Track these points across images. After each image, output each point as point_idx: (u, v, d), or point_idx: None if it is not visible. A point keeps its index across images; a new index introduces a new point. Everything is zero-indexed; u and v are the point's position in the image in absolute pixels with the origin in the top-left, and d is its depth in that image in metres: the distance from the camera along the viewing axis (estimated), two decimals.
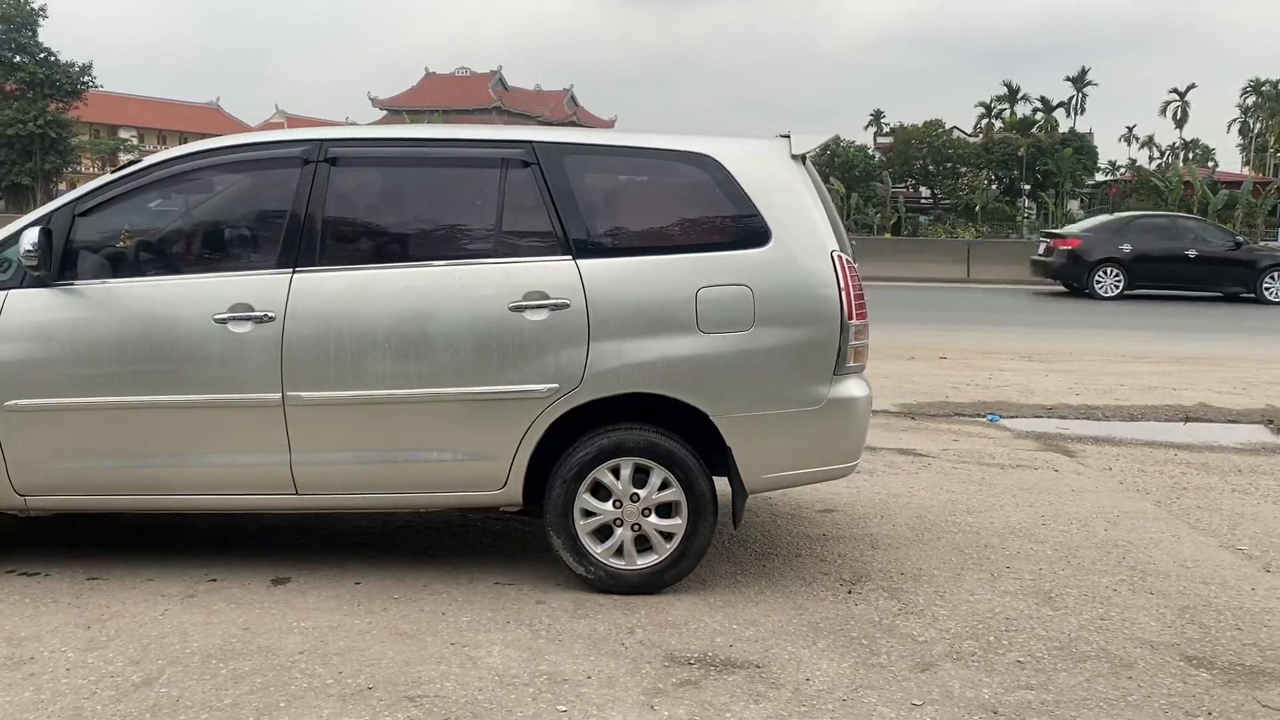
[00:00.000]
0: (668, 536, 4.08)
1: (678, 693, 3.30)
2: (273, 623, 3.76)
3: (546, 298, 3.96)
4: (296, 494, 4.07)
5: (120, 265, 4.10)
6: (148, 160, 4.18)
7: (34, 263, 3.86)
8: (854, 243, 4.91)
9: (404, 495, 4.10)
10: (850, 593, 4.20)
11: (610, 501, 4.06)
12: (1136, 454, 6.87)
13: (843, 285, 4.03)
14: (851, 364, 4.08)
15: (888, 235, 37.26)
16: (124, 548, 4.52)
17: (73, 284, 4.01)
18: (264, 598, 4.00)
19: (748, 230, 4.06)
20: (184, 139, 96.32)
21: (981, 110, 71.15)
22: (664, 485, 4.05)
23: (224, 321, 3.95)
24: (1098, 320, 15.54)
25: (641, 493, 4.05)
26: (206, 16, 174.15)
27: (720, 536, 4.82)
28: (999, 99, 70.41)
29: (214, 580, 4.17)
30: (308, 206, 4.04)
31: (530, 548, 4.62)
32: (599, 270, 4.00)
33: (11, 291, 4.00)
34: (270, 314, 3.95)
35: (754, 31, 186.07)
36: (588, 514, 4.06)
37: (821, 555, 4.64)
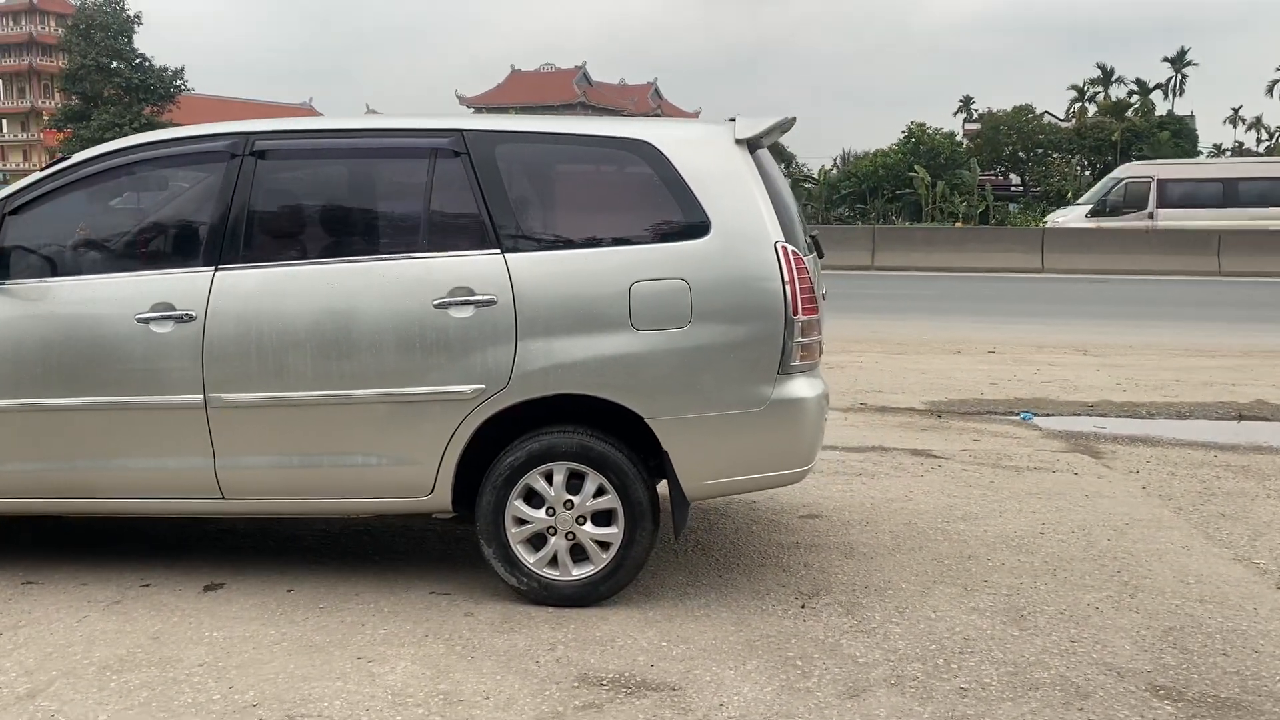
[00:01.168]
0: (604, 546, 3.86)
1: (575, 717, 3.08)
2: (186, 632, 3.64)
3: (472, 294, 3.76)
4: (223, 498, 3.95)
5: (51, 264, 4.02)
6: (77, 156, 4.09)
7: None
8: (815, 234, 4.63)
9: (330, 501, 3.95)
10: (804, 607, 3.92)
11: (543, 509, 3.85)
12: (1172, 455, 6.41)
13: (787, 278, 3.75)
14: (798, 362, 3.80)
15: (956, 224, 36.17)
16: (70, 550, 4.47)
17: (8, 283, 3.95)
18: (190, 605, 3.89)
19: (686, 221, 3.81)
20: None
21: (1074, 94, 68.84)
22: (600, 492, 3.83)
23: (146, 321, 3.84)
24: (1172, 312, 14.75)
25: (575, 499, 3.83)
26: (303, 20, 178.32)
27: (685, 545, 4.59)
28: (1092, 82, 68.02)
29: (147, 585, 4.08)
30: (232, 202, 3.91)
31: (481, 555, 4.43)
32: (528, 265, 3.79)
33: None
34: (191, 313, 3.83)
35: (842, 18, 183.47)
36: (520, 522, 3.86)
37: (786, 565, 4.37)
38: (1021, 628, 3.75)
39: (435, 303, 3.77)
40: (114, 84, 47.32)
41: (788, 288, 3.75)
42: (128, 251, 4.09)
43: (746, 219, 3.80)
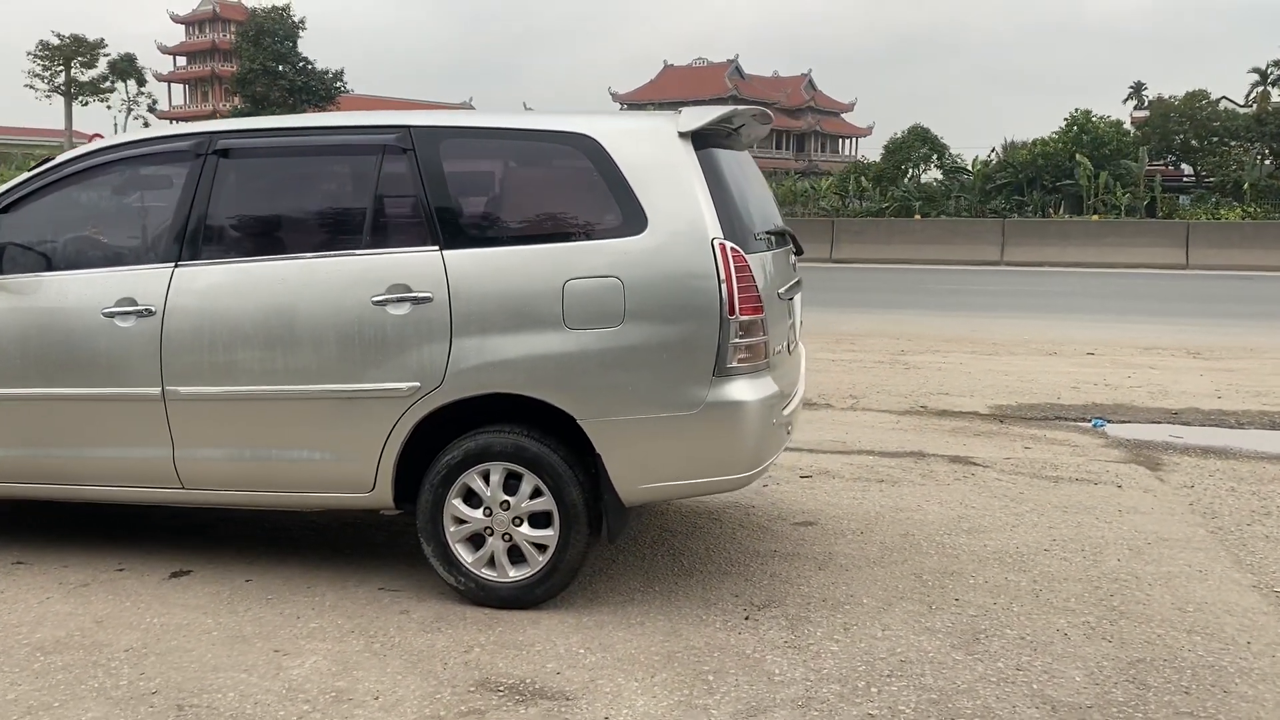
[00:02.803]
0: (541, 549, 3.79)
1: None
2: (129, 618, 3.76)
3: (409, 291, 3.76)
4: (183, 489, 4.06)
5: (35, 260, 4.20)
6: (60, 158, 4.28)
7: None
8: (788, 230, 4.43)
9: (280, 494, 4.01)
10: (747, 619, 3.76)
11: (481, 509, 3.81)
12: (1241, 470, 5.89)
13: (724, 276, 3.59)
14: (736, 364, 3.64)
15: (1094, 217, 34.22)
16: (66, 533, 4.68)
17: (8, 278, 4.15)
18: (149, 590, 4.02)
19: (623, 217, 3.69)
20: None
21: (1255, 77, 64.33)
22: (536, 493, 3.76)
23: (111, 316, 3.99)
24: None
25: (512, 500, 3.78)
26: (465, 22, 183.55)
27: (656, 549, 4.48)
28: (1276, 64, 63.41)
29: (121, 570, 4.24)
30: (194, 199, 4.02)
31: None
32: (465, 262, 3.75)
33: None
34: (151, 308, 3.95)
35: (1011, 2, 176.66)
36: (459, 521, 3.83)
37: (751, 575, 4.20)
38: (970, 652, 3.49)
39: (374, 300, 3.77)
40: (279, 86, 49.79)
41: (724, 286, 3.59)
42: (103, 248, 4.25)
43: (684, 215, 3.66)
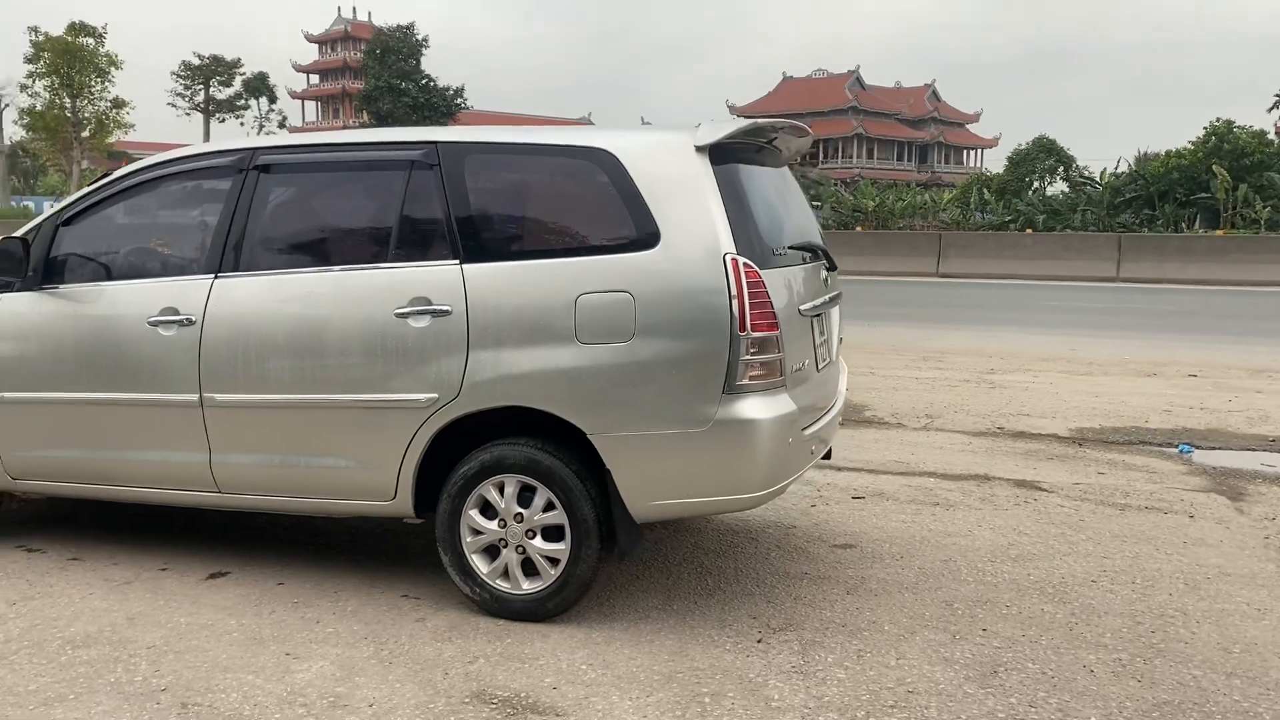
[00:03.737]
0: (554, 562, 3.79)
1: None
2: (159, 616, 3.90)
3: (430, 304, 3.81)
4: (219, 492, 4.20)
5: (94, 270, 4.41)
6: (117, 173, 4.49)
7: None
8: (821, 246, 4.33)
9: (309, 500, 4.11)
10: (759, 642, 3.69)
11: (496, 520, 3.84)
12: None
13: (735, 292, 3.54)
14: (747, 381, 3.57)
15: (1218, 232, 32.46)
16: (120, 532, 4.88)
17: (57, 288, 4.38)
18: (185, 590, 4.16)
19: (636, 232, 3.68)
20: None
21: None
22: (549, 506, 3.77)
23: (156, 324, 4.15)
24: None
25: (526, 513, 3.79)
26: (588, 38, 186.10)
27: (683, 567, 4.43)
28: None
29: (164, 569, 4.40)
30: (234, 212, 4.16)
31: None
32: (483, 275, 3.79)
33: (3, 296, 4.43)
34: (191, 318, 4.10)
35: (1148, 9, 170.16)
36: (475, 532, 3.86)
37: (774, 597, 4.12)
38: (984, 685, 3.35)
39: (396, 312, 3.84)
40: (403, 103, 51.28)
41: (735, 302, 3.54)
42: (151, 259, 4.43)
43: (697, 230, 3.62)
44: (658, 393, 3.60)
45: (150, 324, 4.15)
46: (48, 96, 50.07)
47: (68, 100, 49.90)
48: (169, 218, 4.51)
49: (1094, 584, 4.28)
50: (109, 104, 50.86)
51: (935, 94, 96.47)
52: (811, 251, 4.27)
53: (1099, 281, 19.48)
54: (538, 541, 3.79)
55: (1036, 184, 50.65)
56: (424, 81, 51.95)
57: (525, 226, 3.96)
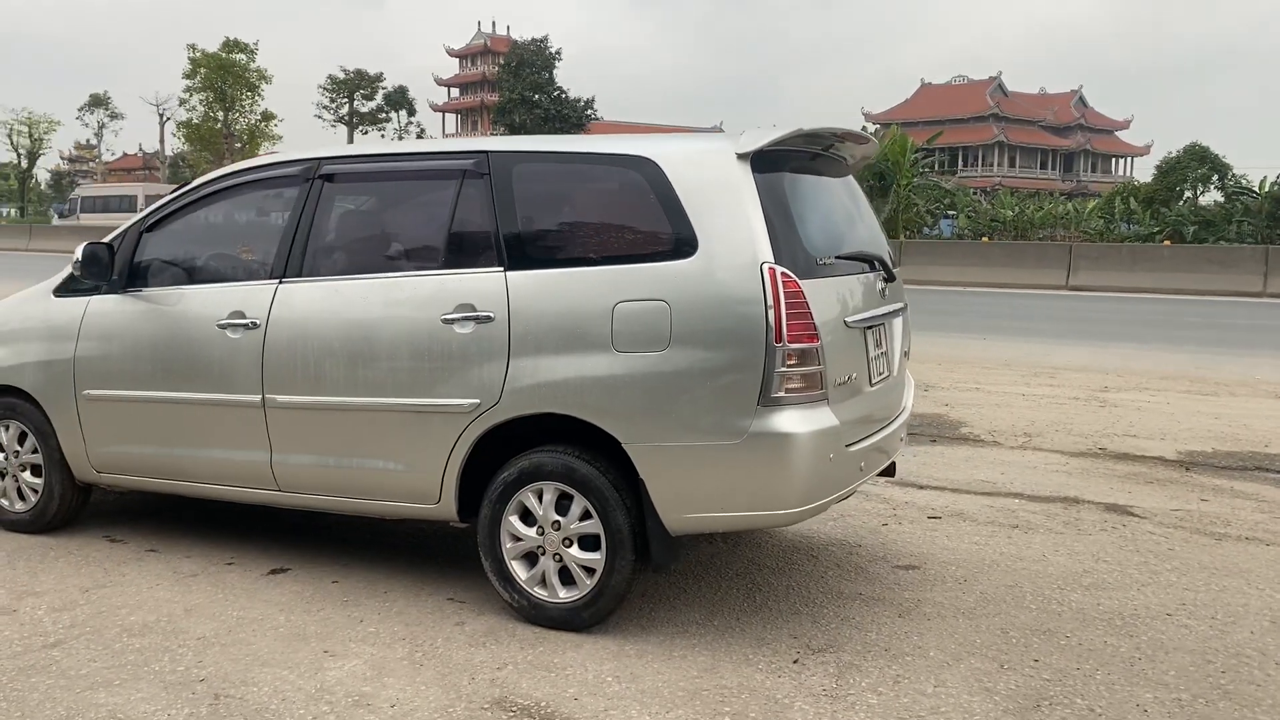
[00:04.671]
0: (590, 571, 3.78)
1: None
2: (215, 609, 4.03)
3: (474, 310, 3.85)
4: (280, 491, 4.32)
5: (172, 274, 4.61)
6: (196, 181, 4.69)
7: (79, 272, 4.51)
8: (879, 256, 4.20)
9: (360, 501, 4.19)
10: (795, 662, 3.59)
11: (535, 527, 3.84)
12: None
13: (771, 302, 3.46)
14: (784, 394, 3.49)
15: None
16: (196, 525, 5.07)
17: (139, 291, 4.59)
18: (245, 585, 4.29)
19: (675, 240, 3.64)
20: None
21: None
22: (585, 515, 3.76)
23: (224, 327, 4.31)
24: None
25: (563, 521, 3.79)
26: (721, 46, 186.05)
27: (735, 582, 4.36)
28: None
29: (230, 564, 4.55)
30: (299, 220, 4.29)
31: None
32: (525, 282, 3.81)
33: (93, 298, 4.67)
34: (256, 321, 4.24)
35: None
36: (515, 538, 3.88)
37: (820, 616, 4.01)
38: (1021, 719, 3.18)
39: (443, 318, 3.89)
40: (535, 115, 52.26)
41: (771, 312, 3.46)
42: (224, 263, 4.60)
43: (735, 238, 3.56)
44: (692, 403, 3.55)
45: (219, 327, 4.31)
46: (203, 110, 52.89)
47: (220, 113, 52.65)
48: (242, 224, 4.68)
49: (1168, 618, 4.03)
50: (259, 117, 53.42)
51: (1082, 100, 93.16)
52: (869, 262, 4.15)
53: (1242, 296, 18.42)
54: (574, 550, 3.78)
55: (1188, 194, 48.21)
56: (556, 93, 52.84)
57: (567, 234, 3.96)
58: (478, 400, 3.82)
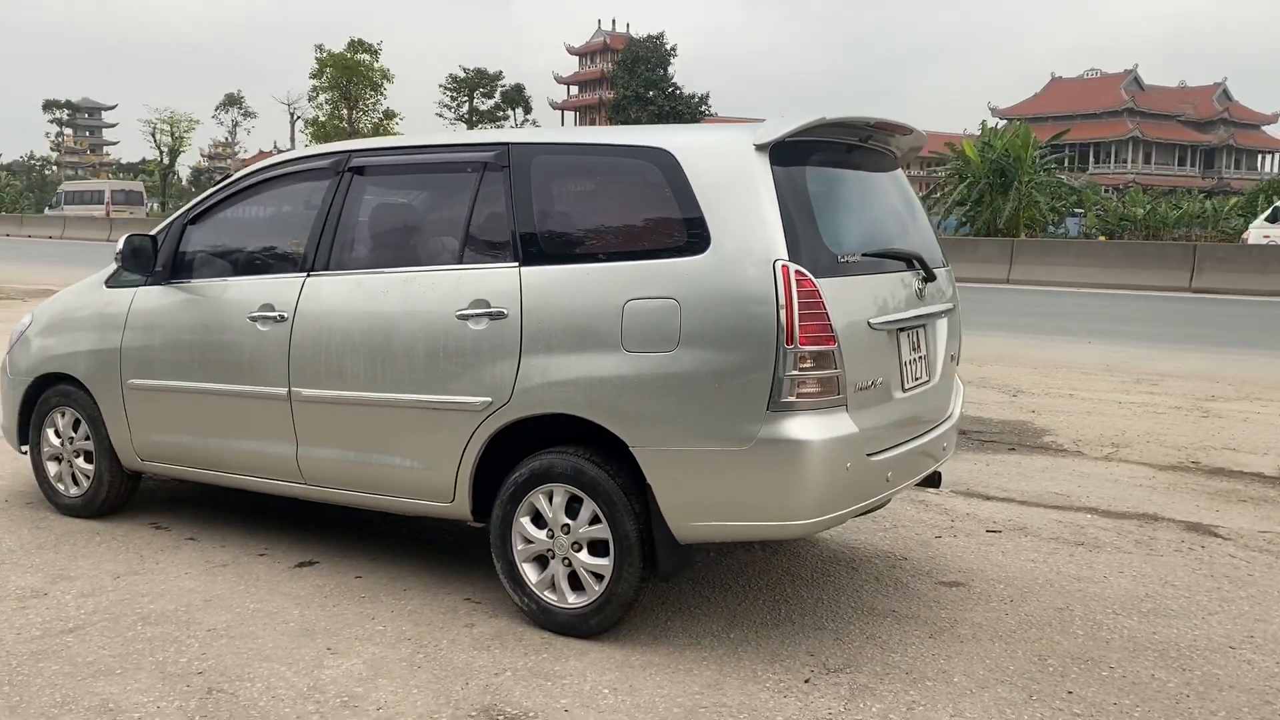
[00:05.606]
0: (598, 577, 3.65)
1: None
2: (233, 601, 4.04)
3: (488, 306, 3.76)
4: (305, 484, 4.32)
5: (210, 267, 4.65)
6: (237, 174, 4.71)
7: (122, 264, 4.58)
8: (917, 255, 3.95)
9: (379, 496, 4.15)
10: (806, 682, 3.40)
11: (545, 530, 3.74)
12: None
13: (784, 301, 3.27)
14: (796, 399, 3.30)
15: None
16: (234, 515, 5.12)
17: (183, 282, 4.65)
18: (271, 577, 4.30)
19: (687, 235, 3.48)
20: None
21: None
22: (595, 519, 3.63)
23: (255, 320, 4.32)
24: None
25: (573, 524, 3.67)
26: (844, 42, 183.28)
27: (765, 594, 4.18)
28: None
29: (262, 555, 4.57)
30: (328, 213, 4.27)
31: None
32: (538, 278, 3.70)
33: (140, 289, 4.75)
34: (284, 314, 4.24)
35: None
36: (526, 540, 3.78)
37: (845, 633, 3.80)
38: None
39: (458, 314, 3.81)
40: (649, 112, 52.29)
41: (783, 312, 3.27)
42: (260, 256, 4.61)
43: (748, 234, 3.38)
44: (700, 406, 3.39)
45: (250, 319, 4.32)
46: (329, 109, 54.58)
47: (345, 111, 54.23)
48: (277, 217, 4.69)
49: (1231, 651, 3.69)
50: (381, 115, 54.78)
51: (1226, 93, 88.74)
52: (907, 261, 3.91)
53: None
54: (583, 555, 3.66)
55: None
56: (670, 90, 52.77)
57: (582, 229, 3.83)
58: (489, 399, 3.73)
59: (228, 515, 5.14)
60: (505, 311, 3.71)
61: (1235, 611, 4.07)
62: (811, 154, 3.65)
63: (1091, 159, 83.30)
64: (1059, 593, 4.24)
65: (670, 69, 52.85)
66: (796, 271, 3.30)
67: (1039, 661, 3.58)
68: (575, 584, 3.71)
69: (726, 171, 3.48)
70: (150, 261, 4.65)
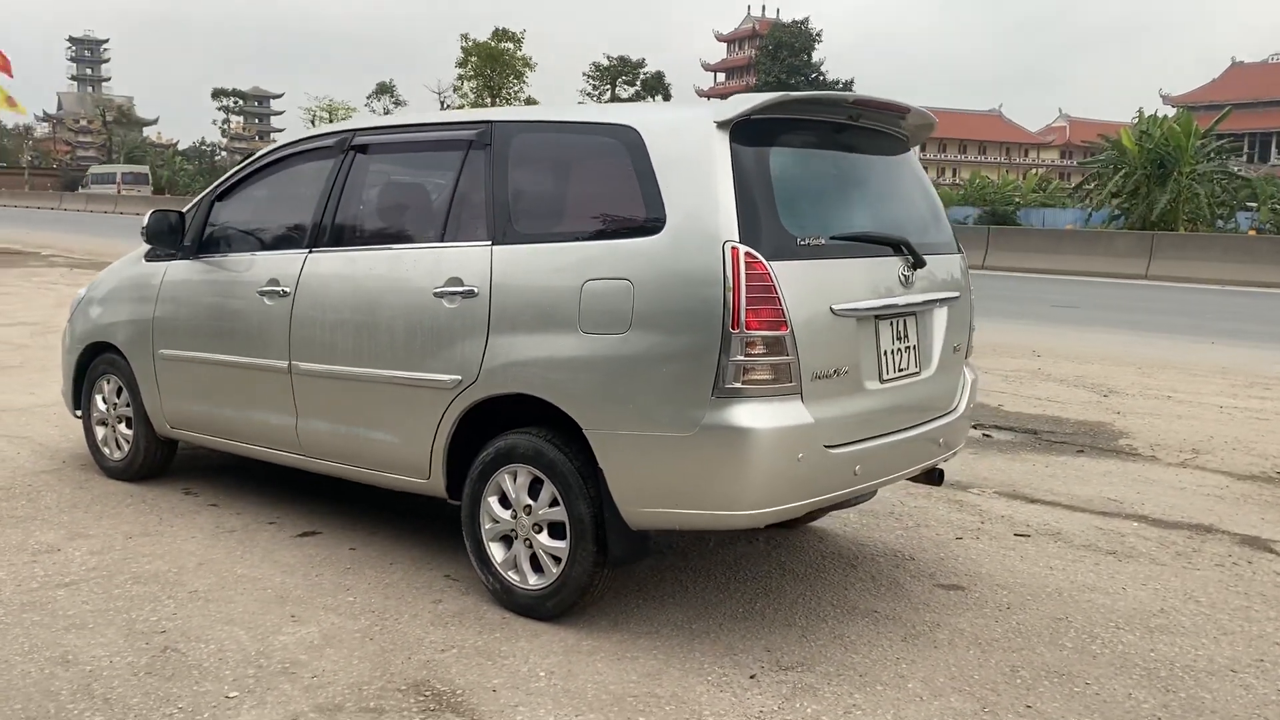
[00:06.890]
0: (556, 560, 3.62)
1: (351, 715, 3.00)
2: (224, 566, 4.16)
3: (461, 284, 3.77)
4: (304, 456, 4.42)
5: (231, 242, 4.79)
6: (259, 152, 4.85)
7: (145, 239, 4.77)
8: (906, 241, 3.75)
9: (364, 470, 4.21)
10: (752, 678, 3.29)
11: (510, 511, 3.72)
12: None
13: (731, 284, 3.16)
14: (742, 385, 3.19)
15: None
16: (269, 482, 5.28)
17: (209, 257, 4.82)
18: (271, 544, 4.42)
19: (645, 215, 3.40)
20: (962, 146, 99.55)
21: None
22: (555, 501, 3.60)
23: (262, 294, 4.44)
24: None
25: (534, 505, 3.65)
26: (1006, 28, 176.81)
27: (745, 584, 4.07)
28: None
29: (272, 523, 4.71)
30: (331, 190, 4.35)
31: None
32: (508, 257, 3.68)
33: (172, 263, 4.95)
34: (287, 289, 4.35)
35: None
36: (493, 520, 3.78)
37: (812, 631, 3.66)
38: None
39: (435, 291, 3.83)
40: None
41: (730, 295, 3.16)
42: (268, 233, 4.72)
43: (701, 214, 3.27)
44: (649, 390, 3.31)
45: (258, 293, 4.45)
46: (474, 97, 55.81)
47: (489, 99, 55.36)
48: (290, 194, 4.79)
49: (1231, 674, 3.40)
50: (523, 103, 55.67)
51: None
52: (894, 246, 3.73)
53: None
54: (543, 537, 3.63)
55: None
56: (814, 76, 51.93)
57: (550, 207, 3.79)
58: (459, 377, 3.74)
59: (258, 485, 5.30)
60: (476, 290, 3.71)
61: (1254, 633, 3.75)
62: (785, 133, 3.52)
63: (1274, 150, 78.39)
64: (1063, 602, 3.99)
65: (816, 54, 52.04)
66: (747, 253, 3.18)
67: (1009, 673, 3.37)
68: (536, 566, 3.69)
69: (685, 149, 3.38)
70: (176, 236, 4.83)
